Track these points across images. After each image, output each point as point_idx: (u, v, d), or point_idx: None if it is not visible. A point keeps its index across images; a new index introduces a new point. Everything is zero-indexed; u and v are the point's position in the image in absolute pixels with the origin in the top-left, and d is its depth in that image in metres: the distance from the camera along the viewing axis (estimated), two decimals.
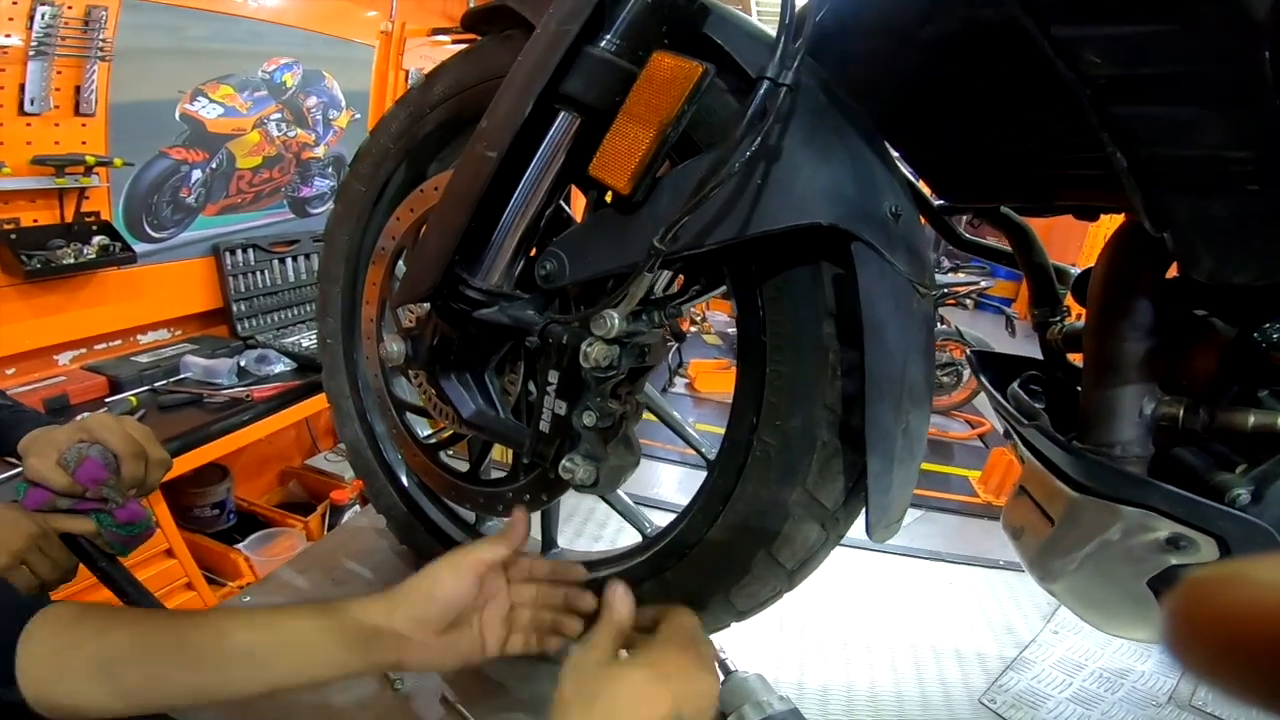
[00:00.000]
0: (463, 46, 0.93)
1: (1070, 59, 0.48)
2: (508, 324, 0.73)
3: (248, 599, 1.06)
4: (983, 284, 5.85)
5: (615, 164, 0.61)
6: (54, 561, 0.92)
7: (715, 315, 6.86)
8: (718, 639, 0.93)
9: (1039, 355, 0.93)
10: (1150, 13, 0.45)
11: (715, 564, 0.73)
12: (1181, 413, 0.69)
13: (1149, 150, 0.51)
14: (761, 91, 0.53)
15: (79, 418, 0.95)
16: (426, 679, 0.91)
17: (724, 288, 0.75)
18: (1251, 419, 0.65)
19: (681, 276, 0.81)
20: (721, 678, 0.93)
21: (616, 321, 0.64)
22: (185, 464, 1.79)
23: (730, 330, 6.53)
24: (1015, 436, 0.80)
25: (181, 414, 1.95)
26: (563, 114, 0.67)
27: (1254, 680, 0.21)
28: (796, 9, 0.54)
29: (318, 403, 2.20)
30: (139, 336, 2.34)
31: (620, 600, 0.68)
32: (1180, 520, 0.63)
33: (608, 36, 0.61)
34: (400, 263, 0.97)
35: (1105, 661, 1.07)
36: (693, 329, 6.73)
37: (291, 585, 1.08)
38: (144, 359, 2.20)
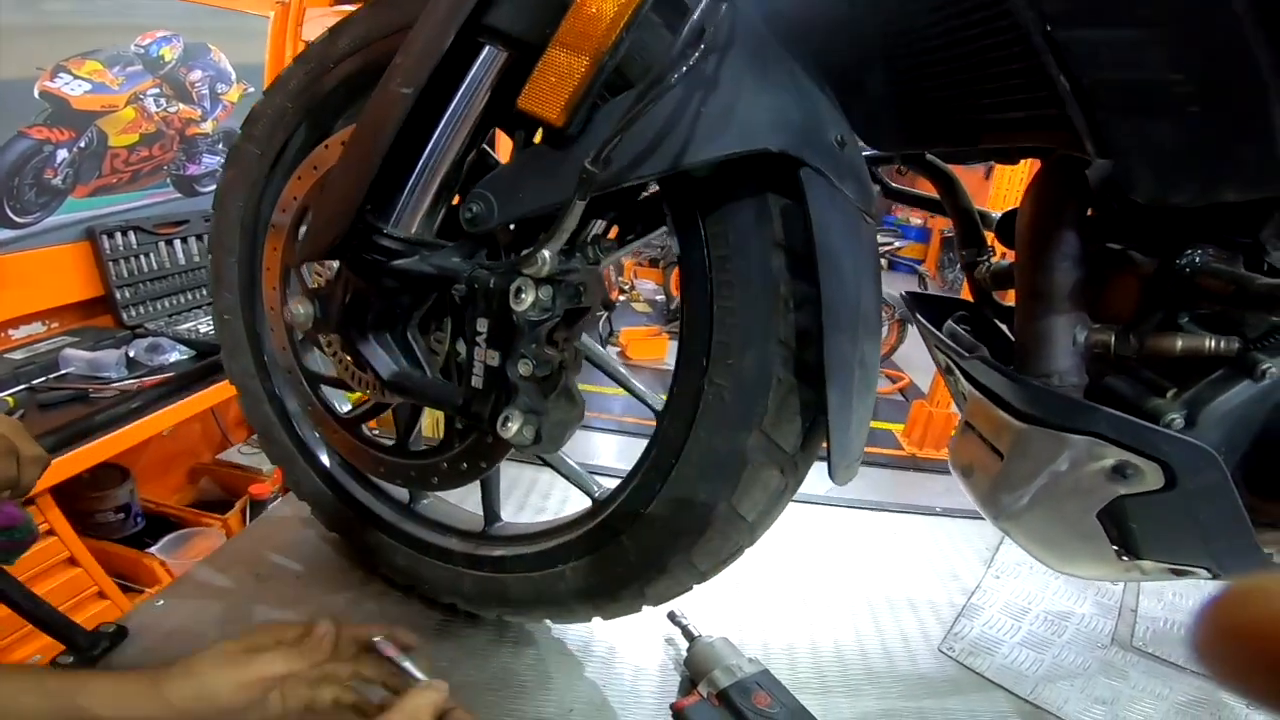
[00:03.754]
0: None
1: None
2: (431, 273, 0.68)
3: (161, 603, 0.97)
4: (895, 244, 6.17)
5: (547, 95, 0.57)
6: None
7: (643, 283, 6.94)
8: (679, 605, 0.93)
9: None
10: None
11: (673, 522, 0.70)
12: (1113, 339, 0.71)
13: (1094, 74, 0.52)
14: (703, 4, 0.50)
15: None
16: None
17: (661, 229, 0.72)
18: (1179, 342, 0.68)
19: (616, 228, 0.78)
20: (686, 644, 0.93)
21: (548, 259, 0.60)
22: (75, 464, 1.65)
23: (659, 298, 6.71)
24: (957, 371, 0.81)
25: (65, 411, 1.77)
26: (488, 49, 0.62)
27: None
28: None
29: (221, 391, 2.06)
30: (10, 331, 2.14)
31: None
32: (1126, 447, 0.65)
33: None
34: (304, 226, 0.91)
35: (1047, 604, 1.12)
36: (621, 298, 6.81)
37: (211, 585, 1.01)
38: (18, 355, 2.00)
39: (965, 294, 0.99)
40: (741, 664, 0.86)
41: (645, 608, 0.81)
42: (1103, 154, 0.55)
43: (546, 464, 0.85)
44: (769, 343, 0.62)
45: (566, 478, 0.85)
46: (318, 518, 1.04)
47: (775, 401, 0.63)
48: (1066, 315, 0.72)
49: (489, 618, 0.95)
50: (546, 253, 0.60)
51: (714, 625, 0.95)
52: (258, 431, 1.05)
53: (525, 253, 0.61)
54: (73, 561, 1.74)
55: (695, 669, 0.88)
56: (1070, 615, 1.10)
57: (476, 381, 0.67)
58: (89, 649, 0.86)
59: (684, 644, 0.93)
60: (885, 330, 5.51)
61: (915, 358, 5.77)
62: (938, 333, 0.85)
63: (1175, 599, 1.13)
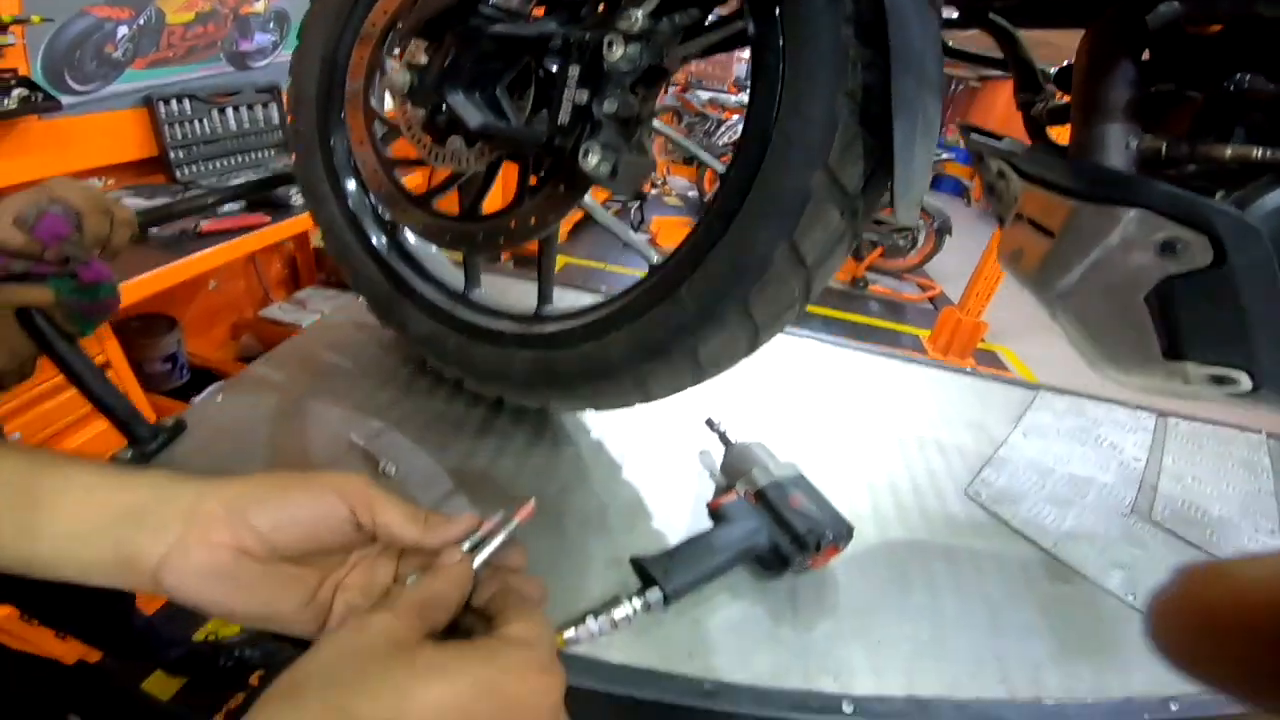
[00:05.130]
0: None
1: None
2: (529, 36, 0.76)
3: (219, 399, 1.02)
4: (943, 155, 6.25)
5: None
6: (9, 346, 0.86)
7: (676, 179, 7.78)
8: (714, 415, 0.99)
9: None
10: None
11: (733, 265, 0.74)
12: (1165, 145, 0.74)
13: None
14: None
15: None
16: (416, 461, 0.93)
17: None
18: (1229, 151, 0.70)
19: None
20: (723, 450, 0.97)
21: (640, 18, 0.68)
22: (133, 293, 1.77)
23: (691, 194, 7.66)
24: (1010, 171, 0.84)
25: (128, 251, 1.91)
26: None
27: (1233, 674, 0.23)
28: None
29: (268, 236, 2.25)
30: None
31: (458, 567, 0.48)
32: (1178, 220, 0.68)
33: None
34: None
35: (1072, 468, 1.15)
36: (653, 191, 7.53)
37: (268, 380, 1.07)
38: None
39: None
40: (778, 466, 0.88)
41: (695, 383, 0.84)
42: None
43: (608, 230, 0.89)
44: (837, 95, 0.66)
45: (626, 243, 0.90)
46: (373, 310, 1.10)
47: (841, 143, 0.67)
48: (1121, 124, 0.76)
49: (533, 408, 1.00)
50: (639, 11, 0.68)
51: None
52: (323, 229, 1.12)
53: (620, 10, 0.68)
54: (106, 365, 1.89)
55: (731, 472, 0.91)
56: (1093, 481, 1.13)
57: (563, 118, 0.74)
58: (148, 441, 0.89)
59: (720, 453, 0.96)
60: (922, 238, 5.68)
61: (949, 269, 5.90)
62: (993, 142, 0.88)
63: (1194, 484, 1.14)
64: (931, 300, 5.84)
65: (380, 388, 1.07)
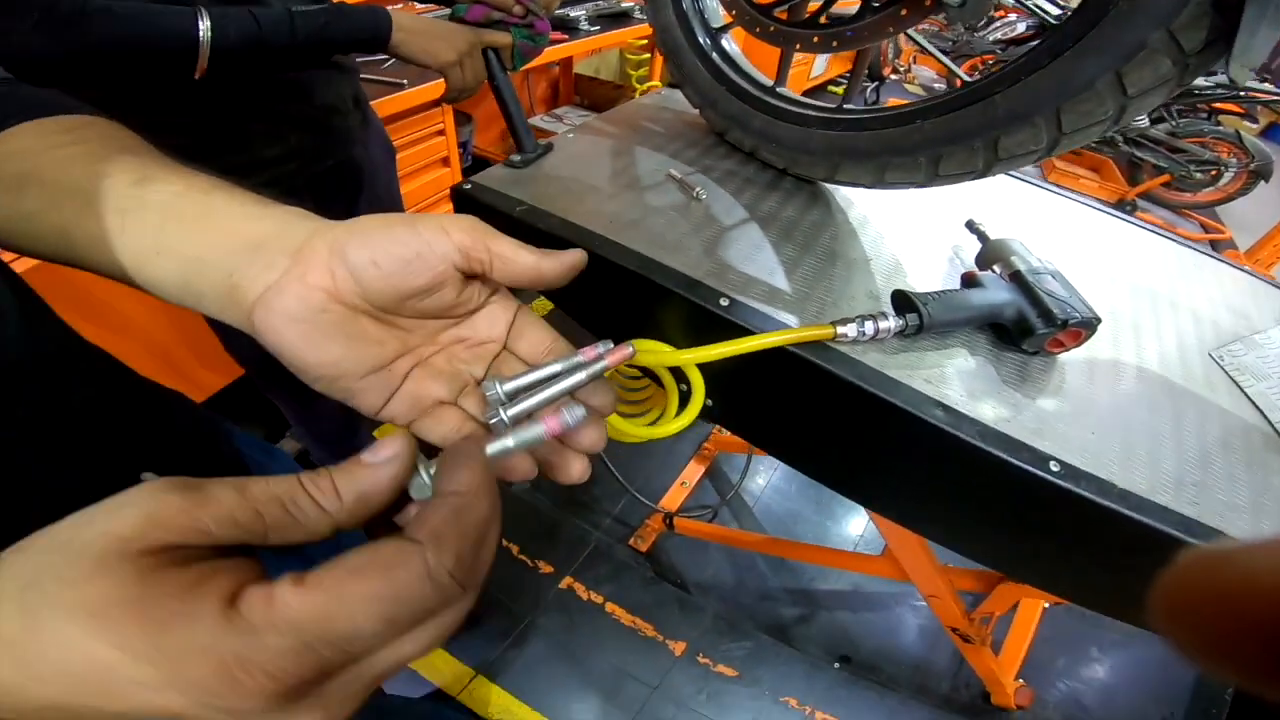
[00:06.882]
0: None
1: None
2: None
3: (570, 135, 1.30)
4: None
5: None
6: (476, 71, 1.27)
7: (921, 69, 8.36)
8: (973, 213, 1.07)
9: None
10: None
11: (1055, 83, 0.80)
12: None
13: None
14: None
15: None
16: (719, 195, 1.14)
17: None
18: None
19: None
20: (980, 244, 1.02)
21: None
22: None
23: (936, 85, 8.11)
24: None
25: None
26: None
27: (1247, 660, 0.21)
28: None
29: (569, 49, 2.91)
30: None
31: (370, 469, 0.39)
32: None
33: None
34: None
35: None
36: (894, 76, 8.36)
37: (603, 130, 1.35)
38: None
39: None
40: (1035, 258, 0.93)
41: (984, 172, 0.91)
42: None
43: (926, 51, 1.01)
44: None
45: (947, 66, 0.99)
46: (690, 95, 1.31)
47: (1188, 15, 0.71)
48: None
49: (818, 179, 1.16)
50: None
51: None
52: (659, 30, 1.32)
53: None
54: (441, 133, 2.49)
55: (986, 260, 0.96)
56: None
57: None
58: (531, 151, 1.18)
59: (976, 251, 1.03)
60: (1228, 176, 5.13)
61: (1248, 217, 5.67)
62: None
63: None
64: (1213, 244, 5.32)
65: (685, 148, 1.31)
